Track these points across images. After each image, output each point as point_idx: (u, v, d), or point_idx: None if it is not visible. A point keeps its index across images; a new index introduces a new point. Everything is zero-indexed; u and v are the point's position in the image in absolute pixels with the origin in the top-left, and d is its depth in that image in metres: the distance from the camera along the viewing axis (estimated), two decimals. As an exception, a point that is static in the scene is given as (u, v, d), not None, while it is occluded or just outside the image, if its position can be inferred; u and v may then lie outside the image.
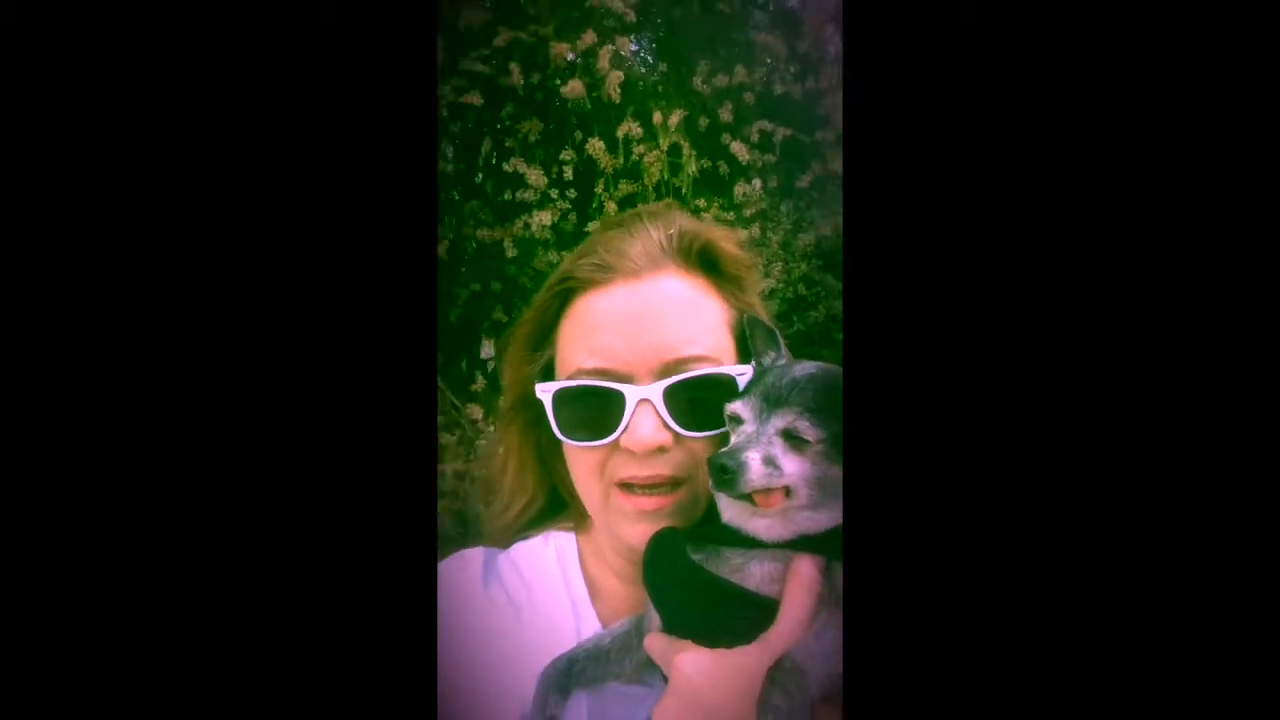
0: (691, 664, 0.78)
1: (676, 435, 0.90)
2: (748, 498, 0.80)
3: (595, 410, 0.91)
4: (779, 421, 0.81)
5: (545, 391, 0.95)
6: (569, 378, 0.93)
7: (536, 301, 1.01)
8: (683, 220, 0.99)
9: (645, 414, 0.89)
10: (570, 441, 0.94)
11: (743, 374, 0.92)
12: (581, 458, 0.95)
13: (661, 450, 0.89)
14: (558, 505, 1.08)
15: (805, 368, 0.85)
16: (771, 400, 0.82)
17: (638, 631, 0.91)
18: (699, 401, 0.90)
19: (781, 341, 0.92)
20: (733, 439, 0.84)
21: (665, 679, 0.83)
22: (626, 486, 0.91)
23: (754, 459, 0.79)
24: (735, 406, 0.85)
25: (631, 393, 0.89)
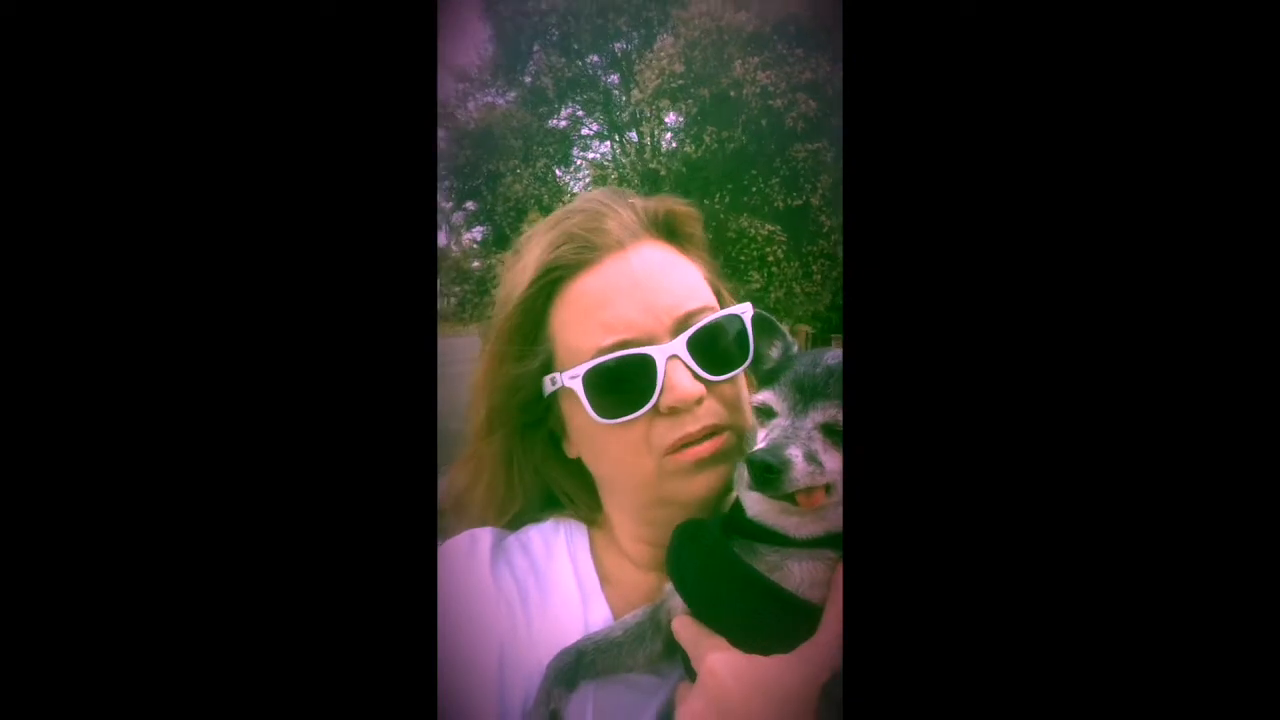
0: (726, 666, 0.75)
1: (707, 384, 0.90)
2: (789, 497, 0.75)
3: (627, 381, 0.90)
4: (817, 415, 0.76)
5: (572, 379, 0.91)
6: (591, 359, 0.90)
7: (519, 300, 0.95)
8: (637, 198, 1.00)
9: (677, 369, 0.88)
10: (609, 422, 0.91)
11: (745, 311, 0.94)
12: (621, 438, 0.92)
13: (699, 401, 0.89)
14: (552, 502, 1.05)
15: (836, 356, 0.79)
16: (807, 391, 0.77)
17: (653, 622, 0.87)
18: (717, 346, 0.91)
19: (785, 332, 0.92)
20: (762, 433, 0.79)
21: (683, 670, 0.81)
22: (678, 448, 0.89)
23: (796, 456, 0.73)
24: (764, 397, 0.80)
25: (659, 353, 0.88)
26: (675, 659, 0.83)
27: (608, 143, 14.77)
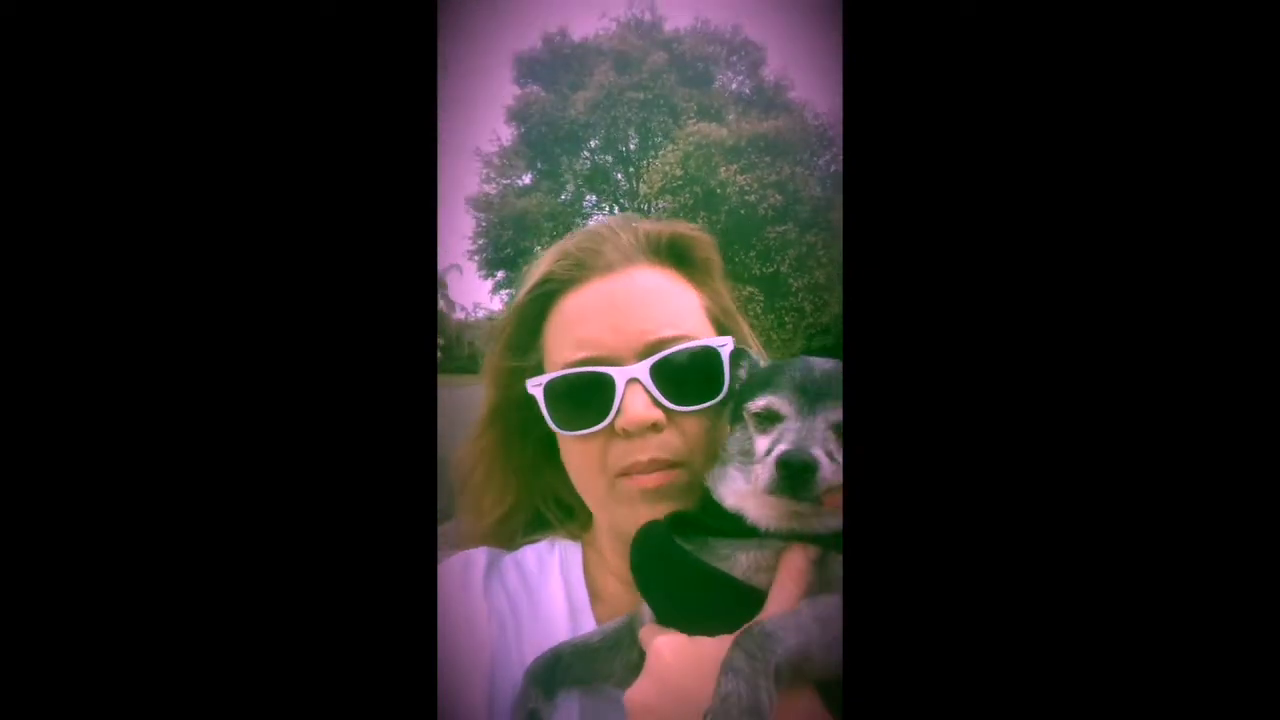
0: (666, 645, 0.78)
1: (668, 412, 0.90)
2: (816, 499, 0.75)
3: (587, 398, 0.92)
4: (829, 414, 0.77)
5: (536, 386, 0.95)
6: (558, 371, 0.94)
7: (516, 305, 1.01)
8: (645, 223, 1.02)
9: (635, 393, 0.89)
10: (566, 433, 0.95)
11: (724, 345, 0.93)
12: (580, 451, 0.95)
13: (655, 428, 0.90)
14: (541, 521, 1.08)
15: (824, 363, 0.83)
16: (810, 394, 0.78)
17: (629, 630, 0.89)
18: (686, 376, 0.91)
19: (751, 352, 0.94)
20: (765, 439, 0.79)
21: None
22: (627, 473, 0.91)
23: (821, 456, 0.74)
24: (768, 401, 0.80)
25: (620, 374, 0.90)
26: None
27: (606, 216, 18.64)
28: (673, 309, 0.95)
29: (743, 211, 15.25)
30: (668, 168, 15.57)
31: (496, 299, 19.44)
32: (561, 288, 0.97)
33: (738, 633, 0.72)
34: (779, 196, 15.23)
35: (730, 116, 16.66)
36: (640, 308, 0.94)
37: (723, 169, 15.23)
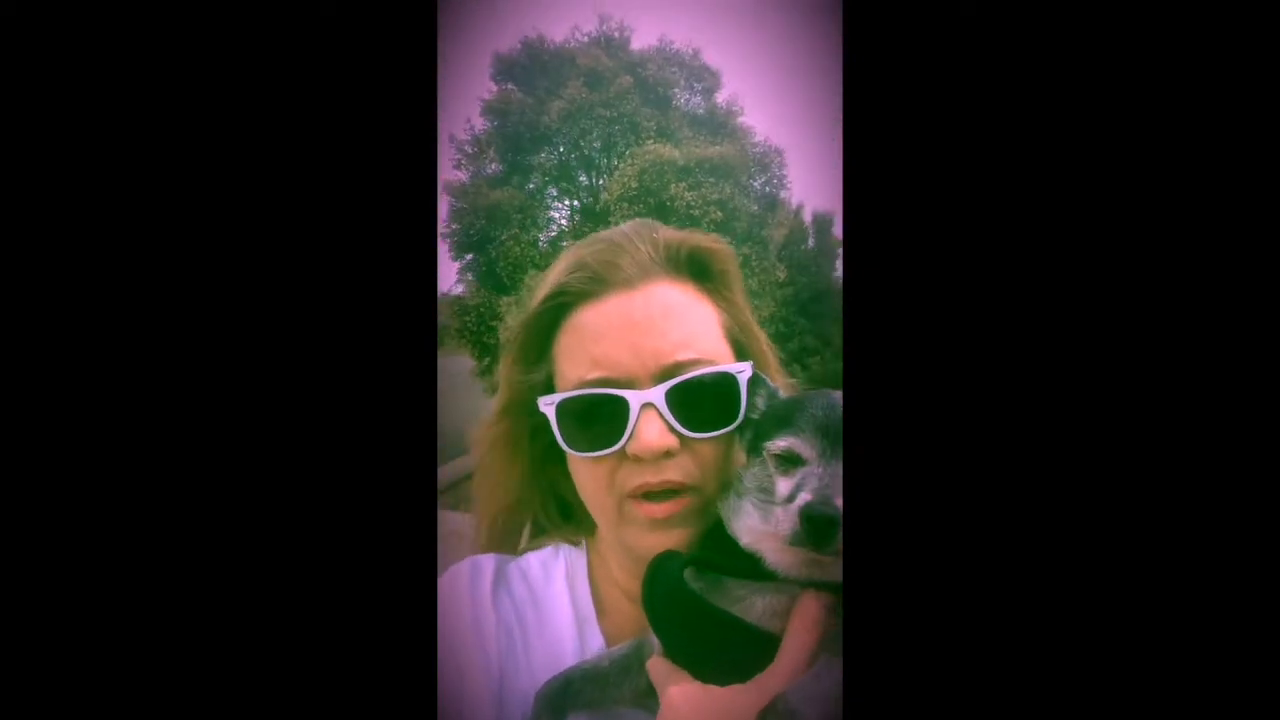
0: (681, 696, 0.77)
1: (682, 438, 0.90)
2: (837, 553, 0.73)
3: (600, 419, 0.91)
4: None
5: (548, 405, 0.94)
6: (571, 390, 0.93)
7: (529, 315, 1.00)
8: (665, 231, 1.01)
9: (650, 418, 0.88)
10: (577, 454, 0.94)
11: (742, 371, 0.92)
12: (590, 471, 0.95)
13: (669, 454, 0.89)
14: (541, 527, 1.10)
15: (840, 397, 0.80)
16: (833, 436, 0.77)
17: (638, 656, 0.89)
18: (701, 402, 0.90)
19: (768, 381, 0.93)
20: (787, 481, 0.78)
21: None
22: (639, 496, 0.91)
23: (842, 505, 0.72)
24: (788, 443, 0.79)
25: (634, 398, 0.88)
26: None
27: (568, 210, 21.10)
28: (690, 328, 0.95)
29: (687, 224, 17.86)
30: (626, 179, 18.16)
31: (462, 282, 21.52)
32: (575, 300, 0.97)
33: (752, 687, 0.74)
34: (719, 213, 17.91)
35: (683, 137, 19.18)
36: (658, 327, 0.93)
37: (673, 185, 17.84)
